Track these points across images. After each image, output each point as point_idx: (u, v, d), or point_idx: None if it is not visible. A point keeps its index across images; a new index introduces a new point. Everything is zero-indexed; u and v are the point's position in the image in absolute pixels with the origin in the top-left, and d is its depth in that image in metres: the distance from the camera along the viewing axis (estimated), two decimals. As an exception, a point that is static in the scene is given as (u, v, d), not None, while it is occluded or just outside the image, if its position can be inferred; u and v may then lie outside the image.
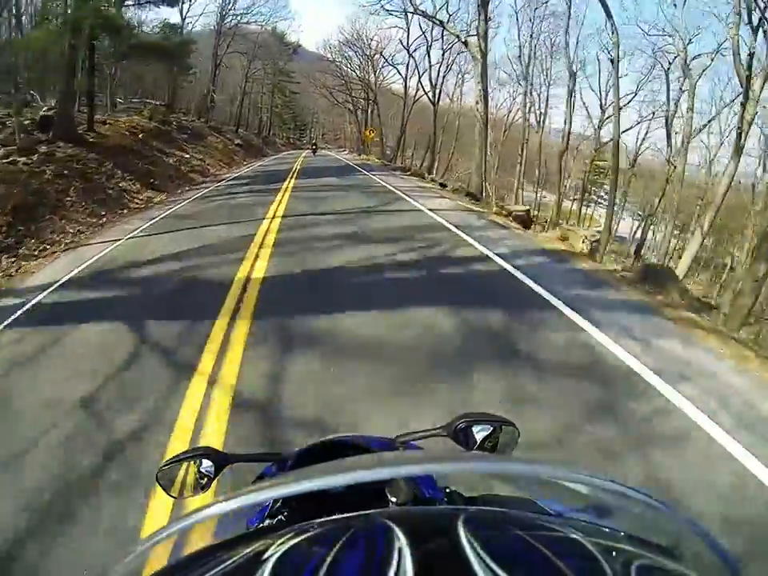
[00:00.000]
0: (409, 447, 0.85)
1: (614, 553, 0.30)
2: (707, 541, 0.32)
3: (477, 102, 14.51)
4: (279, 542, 0.32)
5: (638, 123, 22.25)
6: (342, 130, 52.82)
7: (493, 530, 0.32)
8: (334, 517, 0.36)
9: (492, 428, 0.79)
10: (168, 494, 0.82)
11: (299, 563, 0.30)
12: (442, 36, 23.29)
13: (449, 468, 0.37)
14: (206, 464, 0.81)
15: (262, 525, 0.67)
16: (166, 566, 0.35)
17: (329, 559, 0.29)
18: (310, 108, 54.63)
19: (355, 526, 0.33)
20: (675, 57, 17.04)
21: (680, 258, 14.84)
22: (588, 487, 0.34)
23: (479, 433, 0.79)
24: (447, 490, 0.73)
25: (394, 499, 0.60)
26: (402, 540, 0.29)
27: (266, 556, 0.30)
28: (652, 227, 23.56)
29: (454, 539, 0.29)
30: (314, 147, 31.12)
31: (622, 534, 0.35)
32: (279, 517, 0.68)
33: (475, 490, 0.76)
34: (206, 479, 0.81)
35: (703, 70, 16.75)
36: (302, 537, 0.33)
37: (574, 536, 0.32)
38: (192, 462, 0.81)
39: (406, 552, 0.28)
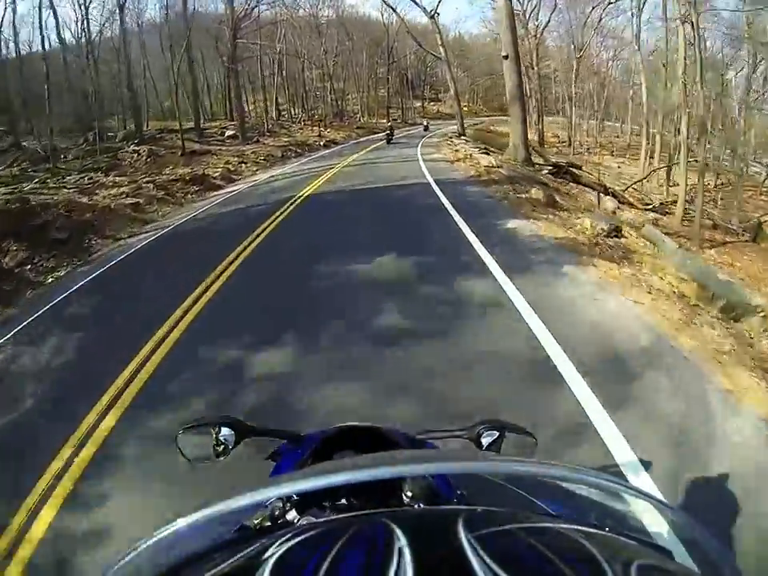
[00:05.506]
0: (426, 445, 0.87)
1: (614, 553, 0.30)
2: (706, 541, 0.33)
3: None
4: (279, 541, 0.32)
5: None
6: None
7: (493, 529, 0.32)
8: (334, 517, 0.36)
9: (498, 434, 0.81)
10: (184, 458, 0.80)
11: (299, 563, 0.30)
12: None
13: (453, 468, 0.37)
14: (226, 432, 0.80)
15: (262, 520, 0.64)
16: (167, 566, 0.35)
17: (329, 559, 0.29)
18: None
19: (355, 526, 0.33)
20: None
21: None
22: (591, 487, 0.34)
23: (485, 438, 0.81)
24: (459, 492, 0.73)
25: (409, 494, 0.62)
26: (402, 540, 0.29)
27: (265, 556, 0.30)
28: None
29: (454, 539, 0.29)
30: (389, 132, 18.38)
31: (622, 533, 0.34)
32: (285, 510, 0.66)
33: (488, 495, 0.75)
34: (222, 447, 0.80)
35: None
36: (302, 537, 0.33)
37: (574, 536, 0.32)
38: (212, 429, 0.80)
39: (406, 552, 0.28)
